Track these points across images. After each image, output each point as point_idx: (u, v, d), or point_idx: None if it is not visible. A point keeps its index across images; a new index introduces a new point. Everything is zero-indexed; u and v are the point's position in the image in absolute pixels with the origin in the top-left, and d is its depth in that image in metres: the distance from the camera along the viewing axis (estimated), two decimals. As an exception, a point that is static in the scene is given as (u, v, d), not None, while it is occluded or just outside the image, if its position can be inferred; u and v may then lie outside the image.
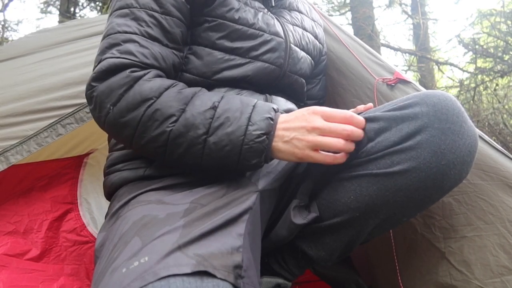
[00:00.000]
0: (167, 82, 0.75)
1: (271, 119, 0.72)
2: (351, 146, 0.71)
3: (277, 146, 0.72)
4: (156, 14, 0.78)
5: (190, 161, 0.73)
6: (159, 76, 0.76)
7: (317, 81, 1.13)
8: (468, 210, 0.85)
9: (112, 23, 0.78)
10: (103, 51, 0.76)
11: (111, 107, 0.72)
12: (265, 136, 0.70)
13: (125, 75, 0.72)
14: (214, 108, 0.72)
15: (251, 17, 0.87)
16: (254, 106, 0.73)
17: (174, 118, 0.71)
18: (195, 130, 0.70)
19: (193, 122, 0.70)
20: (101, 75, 0.73)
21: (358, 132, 0.70)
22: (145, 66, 0.75)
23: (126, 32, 0.76)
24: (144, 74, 0.73)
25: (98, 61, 0.76)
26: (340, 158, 0.72)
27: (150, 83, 0.73)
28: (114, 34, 0.76)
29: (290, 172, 0.82)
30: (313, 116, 0.71)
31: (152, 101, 0.71)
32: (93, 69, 0.76)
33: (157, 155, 0.75)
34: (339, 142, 0.69)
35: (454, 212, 0.87)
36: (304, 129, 0.70)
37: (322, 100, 1.15)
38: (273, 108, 0.74)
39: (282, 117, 0.74)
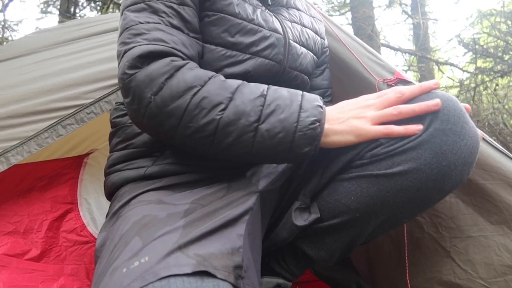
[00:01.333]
0: (209, 72, 0.73)
1: (321, 107, 0.70)
2: (408, 110, 0.68)
3: (333, 129, 0.70)
4: (173, 5, 0.77)
5: (240, 150, 0.70)
6: (198, 67, 0.74)
7: (319, 71, 1.11)
8: (474, 211, 0.86)
9: (129, 17, 0.76)
10: (125, 42, 0.73)
11: (153, 96, 0.68)
12: (318, 123, 0.68)
13: (166, 63, 0.69)
14: (263, 96, 0.70)
15: (250, 12, 0.87)
16: (302, 95, 0.72)
17: (222, 106, 0.68)
18: (247, 117, 0.68)
19: (244, 109, 0.68)
20: (136, 62, 0.69)
21: (410, 92, 0.69)
22: (181, 55, 0.73)
23: (148, 23, 0.74)
24: (185, 64, 0.72)
25: (124, 51, 0.72)
26: (415, 128, 0.68)
27: (194, 71, 0.71)
28: (136, 25, 0.73)
29: (291, 173, 0.82)
30: (363, 98, 0.72)
31: (197, 89, 0.69)
32: (119, 62, 0.73)
33: (202, 146, 0.72)
34: (395, 110, 0.67)
35: (461, 212, 0.87)
36: (360, 108, 0.70)
37: (328, 91, 1.12)
38: (320, 98, 0.73)
39: (331, 107, 0.74)
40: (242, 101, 0.69)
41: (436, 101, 0.67)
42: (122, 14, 0.79)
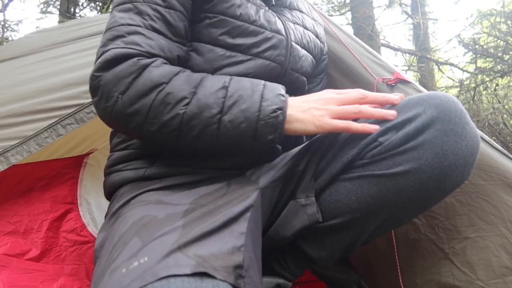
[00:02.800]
0: (176, 68, 0.74)
1: (283, 95, 0.72)
2: (367, 112, 0.71)
3: (295, 115, 0.72)
4: (159, 8, 0.78)
5: (206, 142, 0.72)
6: (166, 64, 0.75)
7: (318, 80, 1.13)
8: (470, 211, 0.85)
9: (115, 17, 0.77)
10: (105, 43, 0.75)
11: (120, 96, 0.70)
12: (279, 112, 0.70)
13: (132, 63, 0.71)
14: (225, 87, 0.72)
15: (253, 14, 0.87)
16: (264, 84, 0.74)
17: (186, 101, 0.70)
18: (209, 110, 0.70)
19: (206, 102, 0.70)
20: (106, 65, 0.72)
21: (373, 97, 0.73)
22: (151, 56, 0.74)
23: (130, 25, 0.75)
24: (152, 62, 0.72)
25: (101, 52, 0.74)
26: (372, 127, 0.71)
27: (160, 69, 0.72)
28: (118, 27, 0.75)
29: (291, 169, 0.81)
30: (327, 92, 0.76)
31: (163, 86, 0.70)
32: (96, 61, 0.75)
33: (169, 141, 0.73)
34: (356, 108, 0.71)
35: (457, 213, 0.87)
36: (321, 100, 0.73)
37: None
38: (282, 87, 0.75)
39: (295, 97, 0.76)
40: (204, 94, 0.71)
41: (393, 112, 0.71)
42: (111, 12, 0.80)
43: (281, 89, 0.74)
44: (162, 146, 0.80)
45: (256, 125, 0.70)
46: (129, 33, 0.74)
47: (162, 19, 0.78)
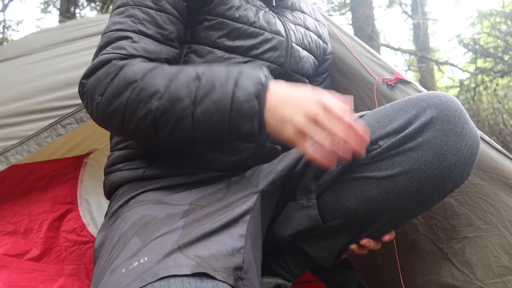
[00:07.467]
0: (151, 64, 0.74)
1: (261, 83, 0.67)
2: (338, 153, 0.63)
3: (267, 119, 0.67)
4: (150, 11, 0.78)
5: (182, 136, 0.71)
6: (144, 62, 0.75)
7: (321, 79, 1.12)
8: (469, 211, 0.85)
9: (110, 21, 0.79)
10: (98, 49, 0.77)
11: (99, 97, 0.71)
12: (254, 98, 0.65)
13: (111, 65, 0.72)
14: (198, 78, 0.69)
15: (252, 15, 0.87)
16: (240, 71, 0.69)
17: (159, 95, 0.68)
18: (181, 103, 0.67)
19: (178, 95, 0.68)
20: (90, 72, 0.74)
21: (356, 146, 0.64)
22: (133, 57, 0.75)
23: (119, 30, 0.76)
24: (128, 62, 0.73)
25: (93, 58, 0.77)
26: (328, 162, 0.64)
27: (134, 67, 0.72)
28: (109, 32, 0.77)
29: (290, 171, 0.81)
30: (317, 106, 0.63)
31: (136, 83, 0.70)
32: None
33: (150, 137, 0.73)
34: (327, 143, 0.62)
35: (455, 212, 0.87)
36: (302, 112, 0.64)
37: None
38: (265, 75, 0.69)
39: (279, 88, 0.67)
40: (176, 87, 0.68)
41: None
42: (110, 16, 0.82)
43: (261, 76, 0.68)
44: (146, 142, 0.80)
45: (229, 116, 0.66)
46: (118, 39, 0.75)
47: (152, 22, 0.78)
